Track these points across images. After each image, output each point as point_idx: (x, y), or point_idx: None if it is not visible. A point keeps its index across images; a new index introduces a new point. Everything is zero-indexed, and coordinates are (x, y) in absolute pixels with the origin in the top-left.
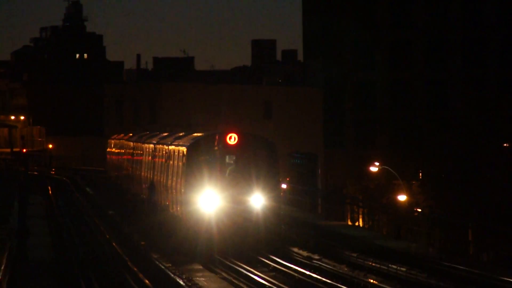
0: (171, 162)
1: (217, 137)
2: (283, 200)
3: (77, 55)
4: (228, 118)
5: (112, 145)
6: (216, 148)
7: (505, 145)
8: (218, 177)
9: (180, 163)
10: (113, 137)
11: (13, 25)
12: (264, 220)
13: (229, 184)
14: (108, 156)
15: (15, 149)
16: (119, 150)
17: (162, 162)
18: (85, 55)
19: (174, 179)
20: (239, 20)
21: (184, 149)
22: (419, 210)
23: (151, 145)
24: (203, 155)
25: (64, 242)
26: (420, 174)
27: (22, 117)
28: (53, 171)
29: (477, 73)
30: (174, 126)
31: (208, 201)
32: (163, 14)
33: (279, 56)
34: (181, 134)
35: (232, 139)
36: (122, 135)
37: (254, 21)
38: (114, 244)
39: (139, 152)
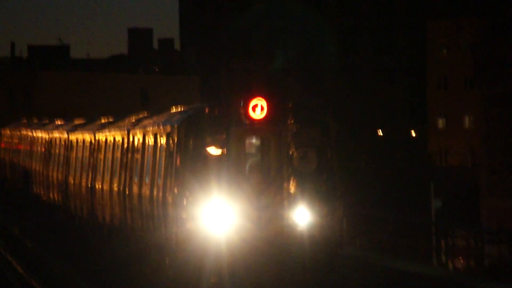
0: (146, 155)
1: (231, 107)
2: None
3: None
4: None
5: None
6: (228, 123)
7: (379, 132)
8: (233, 176)
9: (164, 155)
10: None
11: None
12: (312, 250)
13: (251, 188)
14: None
15: None
16: (15, 142)
17: (128, 156)
18: None
19: (154, 182)
20: (114, 7)
21: (171, 127)
22: None
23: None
24: (206, 136)
25: None
26: None
27: None
28: None
29: (352, 60)
30: (53, 115)
31: (216, 217)
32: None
33: (156, 45)
34: (140, 116)
35: (259, 109)
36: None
37: (130, 9)
38: None
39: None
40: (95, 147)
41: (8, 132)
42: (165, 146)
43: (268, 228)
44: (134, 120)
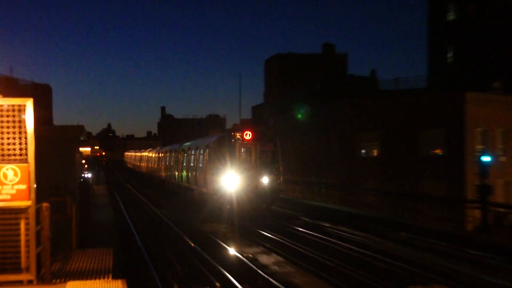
0: (202, 155)
1: (236, 133)
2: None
3: None
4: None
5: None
6: (235, 141)
7: None
8: (237, 163)
9: (206, 155)
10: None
11: None
12: (268, 194)
13: (244, 169)
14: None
15: None
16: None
17: (194, 157)
18: None
19: (203, 165)
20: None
21: (210, 143)
22: None
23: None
24: (226, 147)
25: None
26: None
27: None
28: None
29: None
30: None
31: (229, 181)
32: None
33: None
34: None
35: (248, 135)
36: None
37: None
38: (157, 212)
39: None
40: (164, 156)
41: (127, 153)
42: (207, 151)
43: (251, 185)
44: (182, 143)
